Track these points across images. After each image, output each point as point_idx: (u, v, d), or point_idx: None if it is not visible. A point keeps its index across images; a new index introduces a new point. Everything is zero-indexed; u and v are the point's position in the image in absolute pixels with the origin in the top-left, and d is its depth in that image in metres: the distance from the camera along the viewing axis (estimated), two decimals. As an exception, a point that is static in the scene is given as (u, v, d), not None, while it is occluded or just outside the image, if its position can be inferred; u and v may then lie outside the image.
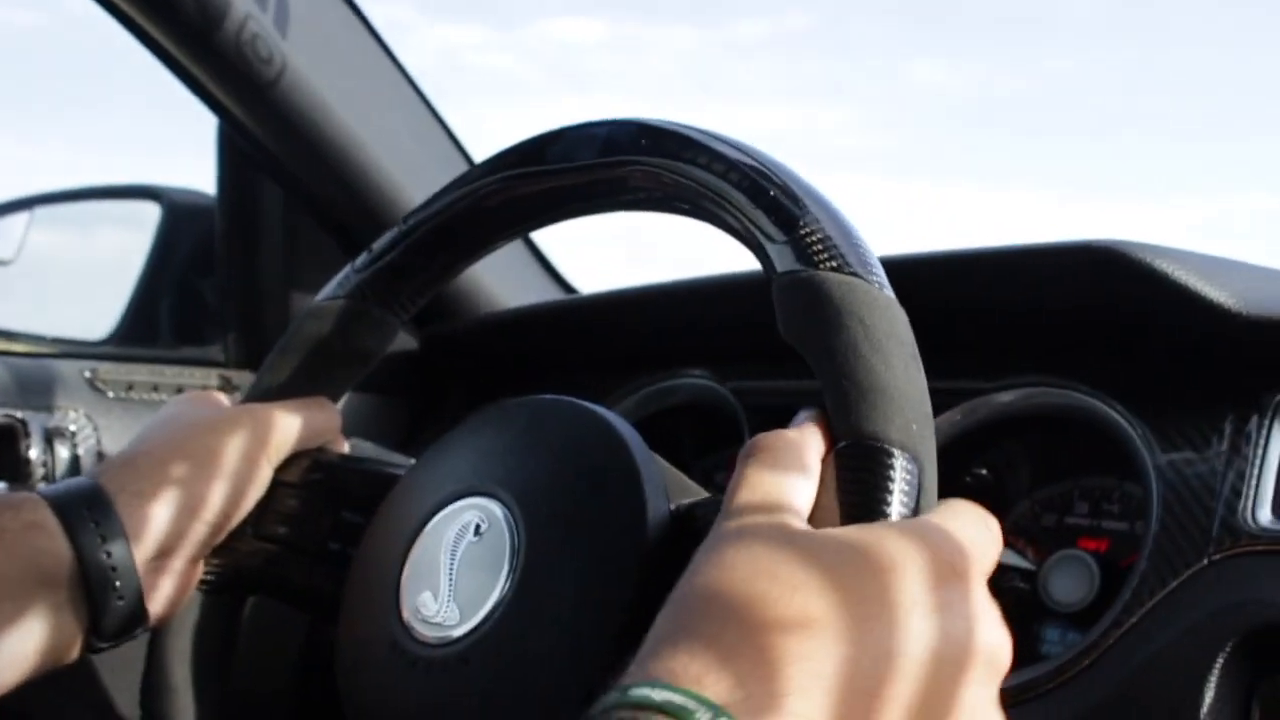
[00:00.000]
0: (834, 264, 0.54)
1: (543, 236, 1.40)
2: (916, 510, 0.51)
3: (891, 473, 0.51)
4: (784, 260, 0.55)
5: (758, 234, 0.57)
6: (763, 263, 0.57)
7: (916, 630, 0.45)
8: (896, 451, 0.51)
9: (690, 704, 0.41)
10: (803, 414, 0.55)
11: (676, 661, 0.43)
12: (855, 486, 0.51)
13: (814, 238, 0.55)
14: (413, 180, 1.21)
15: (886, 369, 0.52)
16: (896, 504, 0.50)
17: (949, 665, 0.45)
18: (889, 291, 0.54)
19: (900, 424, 0.52)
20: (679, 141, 0.60)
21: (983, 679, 0.47)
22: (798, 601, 0.44)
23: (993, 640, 0.47)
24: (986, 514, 0.52)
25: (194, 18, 1.05)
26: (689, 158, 0.59)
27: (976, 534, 0.50)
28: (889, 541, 0.47)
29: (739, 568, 0.46)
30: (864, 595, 0.45)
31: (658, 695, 0.41)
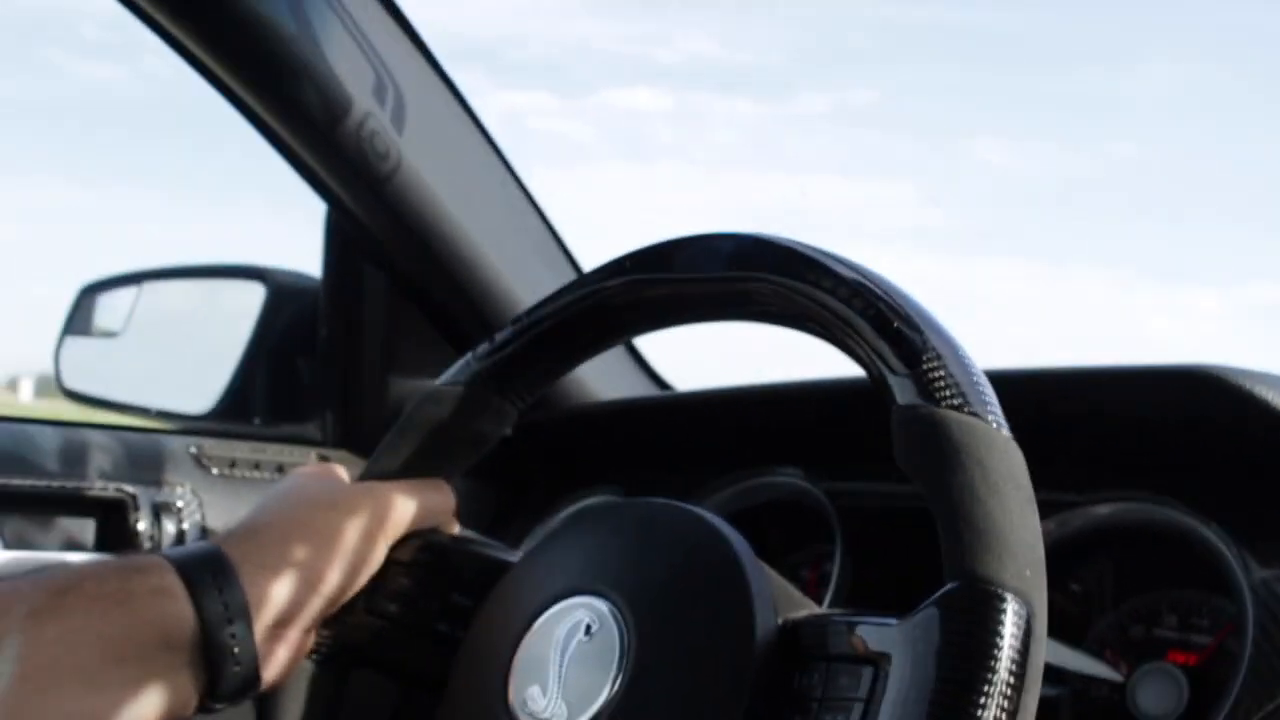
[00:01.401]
0: (955, 403, 0.55)
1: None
2: (1025, 656, 0.51)
3: (1004, 617, 0.51)
4: (905, 393, 0.56)
5: (880, 364, 0.58)
6: (882, 391, 0.58)
7: None
8: (1009, 596, 0.52)
9: None
10: None
11: None
12: (967, 629, 0.52)
13: (937, 374, 0.56)
14: (517, 276, 1.24)
15: (1003, 512, 0.53)
16: (1007, 648, 0.51)
17: None
18: (1007, 432, 0.56)
19: (1014, 570, 0.53)
20: (803, 263, 0.61)
21: None
22: None
23: None
24: None
25: (318, 114, 1.09)
26: (813, 279, 0.61)
27: None
28: None
29: None
30: None
31: None
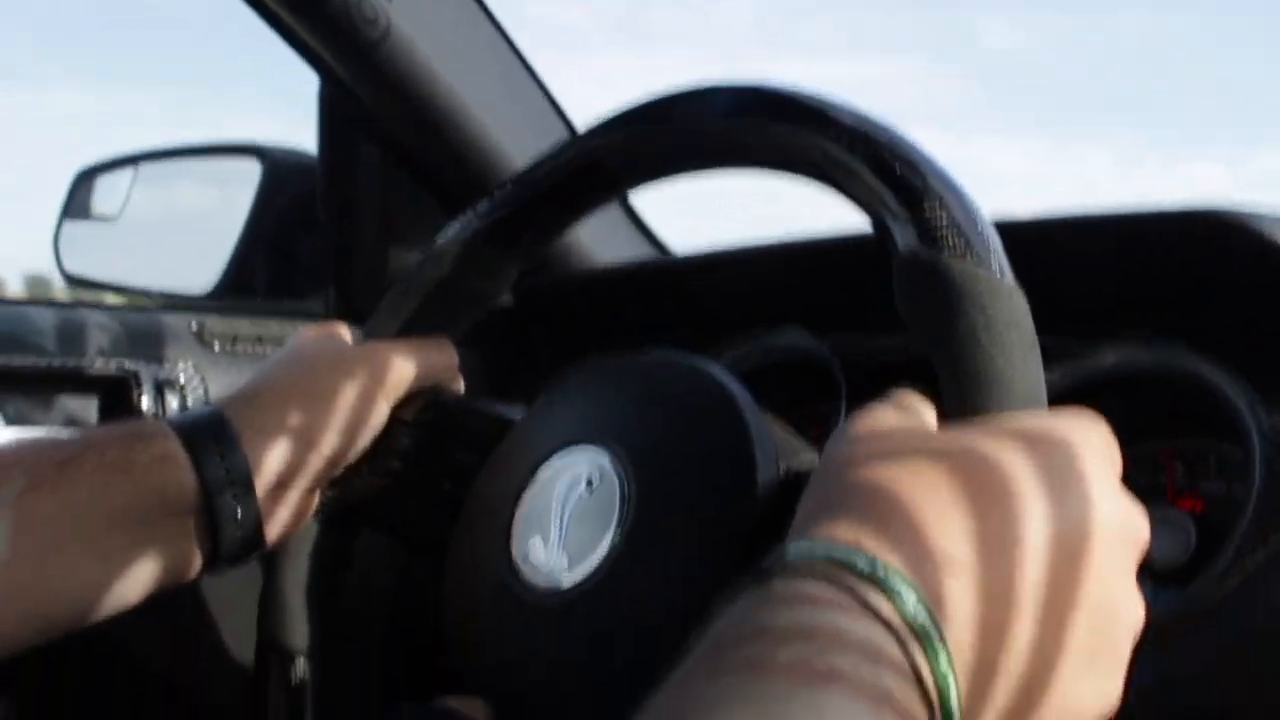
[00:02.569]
0: (958, 248, 0.54)
1: (637, 198, 1.40)
2: None
3: None
4: (906, 238, 0.55)
5: (881, 209, 0.57)
6: (883, 237, 0.57)
7: (1041, 507, 0.47)
8: None
9: (852, 555, 0.43)
10: (910, 390, 0.56)
11: (830, 530, 0.45)
12: None
13: (939, 218, 0.55)
14: (512, 140, 1.22)
15: (1005, 360, 0.53)
16: None
17: (1076, 536, 0.47)
18: (1011, 279, 0.54)
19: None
20: (803, 110, 0.60)
21: (1113, 548, 0.48)
22: (934, 482, 0.47)
23: (1117, 512, 0.49)
24: (1094, 415, 0.53)
25: (302, -22, 1.06)
26: (814, 126, 0.59)
27: (1088, 425, 0.52)
28: (1011, 436, 0.49)
29: (877, 458, 0.49)
30: (994, 481, 0.47)
31: (820, 549, 0.44)
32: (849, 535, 0.45)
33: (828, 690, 0.38)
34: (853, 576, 0.43)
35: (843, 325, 1.06)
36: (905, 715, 0.40)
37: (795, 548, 0.45)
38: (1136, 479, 0.92)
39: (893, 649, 0.41)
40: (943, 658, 0.42)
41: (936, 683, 0.42)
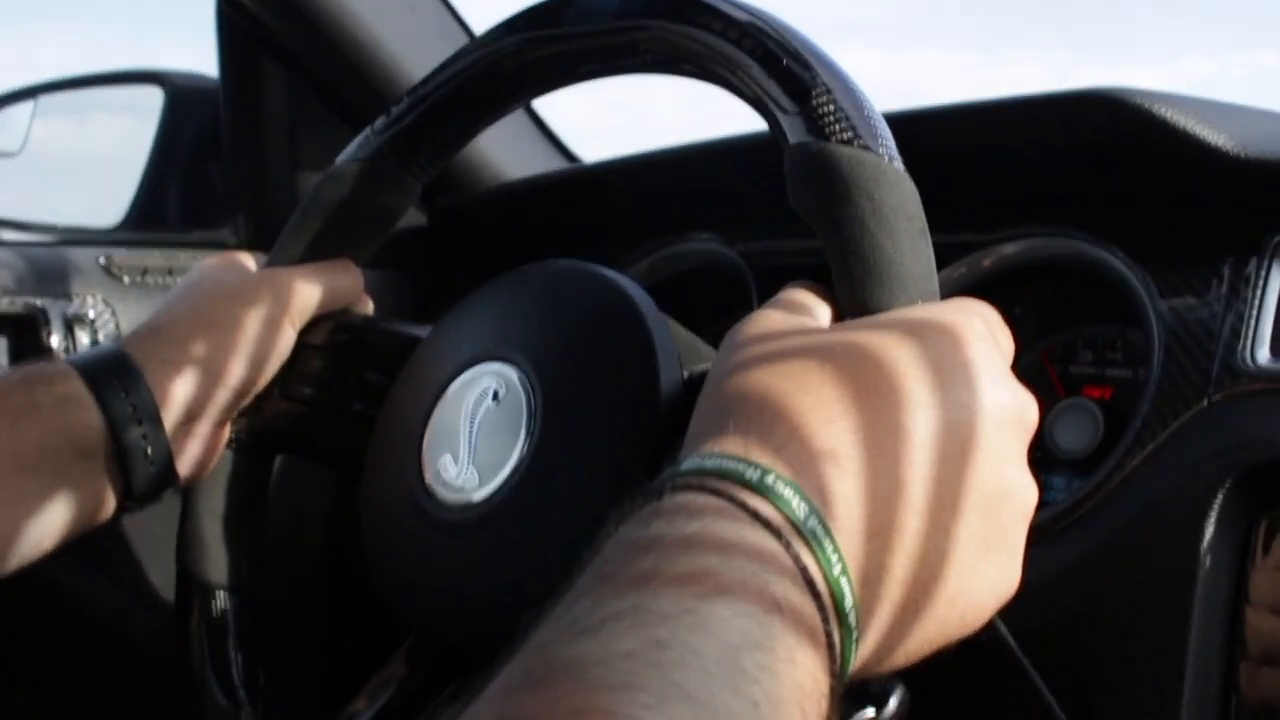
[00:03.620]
0: (845, 136, 0.54)
1: (546, 109, 1.40)
2: None
3: None
4: (795, 131, 0.55)
5: (770, 103, 0.57)
6: (775, 132, 0.57)
7: (927, 396, 0.47)
8: None
9: (740, 466, 0.44)
10: (801, 284, 0.56)
11: (719, 443, 0.46)
12: None
13: (826, 109, 0.54)
14: (414, 53, 1.21)
15: (893, 245, 0.53)
16: None
17: (963, 424, 0.47)
18: (899, 165, 0.54)
19: (905, 300, 0.52)
20: (691, 6, 0.60)
21: (1002, 433, 0.49)
22: (819, 382, 0.47)
23: (1004, 398, 0.49)
24: (982, 303, 0.53)
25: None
26: (702, 22, 0.59)
27: (974, 313, 0.52)
28: (895, 328, 0.49)
29: (763, 362, 0.49)
30: (878, 375, 0.47)
31: (710, 463, 0.44)
32: (737, 446, 0.45)
33: (714, 601, 0.39)
34: (741, 487, 0.43)
35: (753, 230, 1.06)
36: (797, 619, 0.41)
37: (685, 463, 0.45)
38: (1046, 370, 0.94)
39: (782, 555, 0.42)
40: (834, 559, 0.43)
41: (829, 584, 0.43)
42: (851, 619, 0.43)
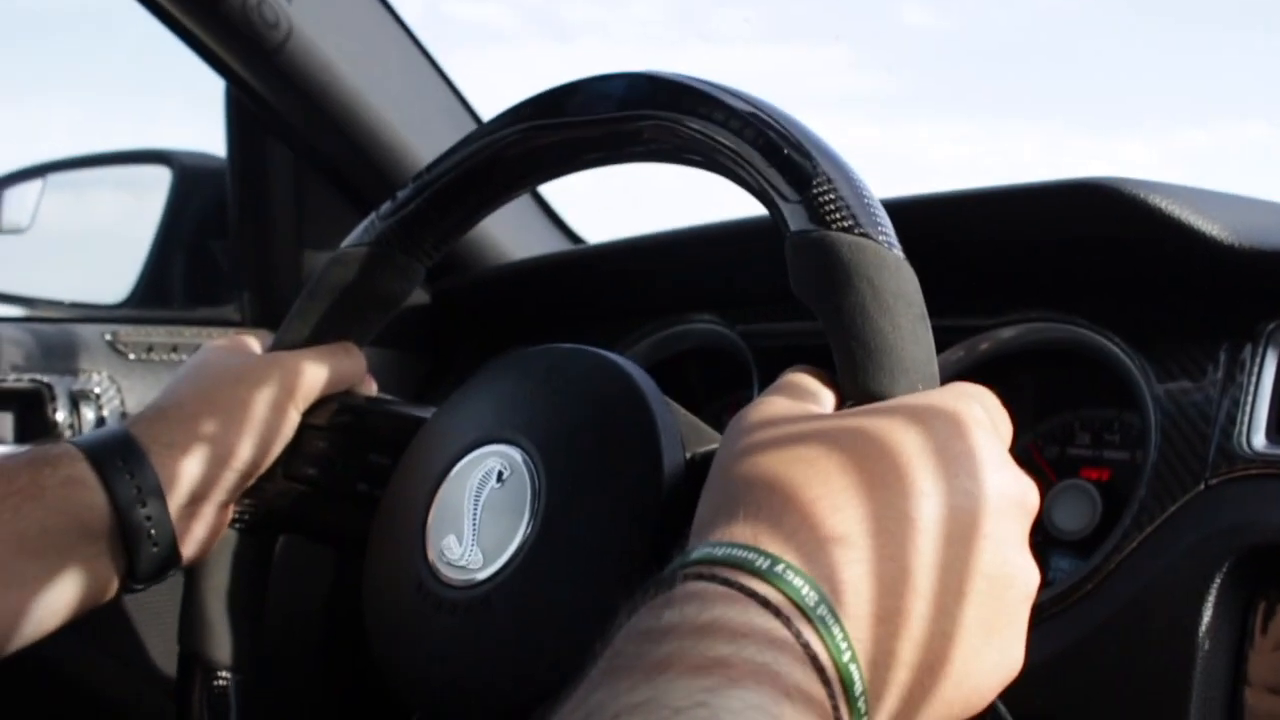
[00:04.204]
0: (845, 224, 0.55)
1: (550, 190, 1.41)
2: None
3: None
4: (797, 219, 0.56)
5: (771, 192, 0.57)
6: (776, 219, 0.58)
7: (931, 484, 0.48)
8: None
9: (750, 555, 0.44)
10: (803, 369, 0.57)
11: (729, 531, 0.46)
12: None
13: (826, 198, 0.55)
14: (420, 137, 1.23)
15: (894, 330, 0.53)
16: None
17: (967, 510, 0.48)
18: (898, 251, 0.55)
19: (906, 384, 0.53)
20: (694, 97, 0.61)
21: (1004, 518, 0.49)
22: (826, 470, 0.48)
23: (1005, 483, 0.50)
24: (983, 388, 0.54)
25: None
26: (704, 113, 0.60)
27: (974, 399, 0.52)
28: (898, 415, 0.50)
29: (770, 449, 0.49)
30: (884, 463, 0.48)
31: (720, 552, 0.45)
32: (746, 534, 0.46)
33: (726, 693, 0.39)
34: (752, 576, 0.44)
35: (754, 311, 1.07)
36: (808, 706, 0.41)
37: (696, 552, 0.46)
38: (1045, 452, 0.95)
39: (793, 643, 0.42)
40: (843, 645, 0.43)
41: (839, 670, 0.43)
42: (861, 704, 0.44)
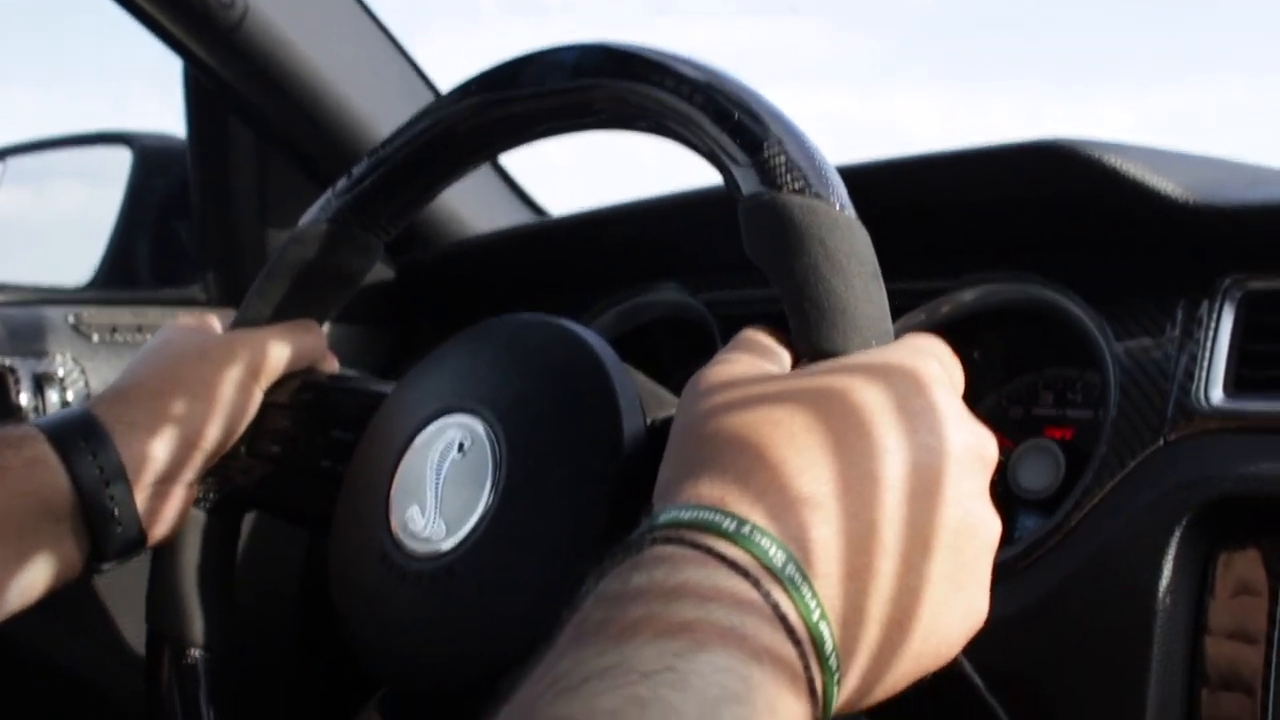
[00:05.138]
0: (797, 186, 0.55)
1: (511, 162, 1.41)
2: None
3: None
4: (749, 183, 0.57)
5: (723, 156, 0.58)
6: (729, 184, 0.58)
7: (895, 441, 0.48)
8: None
9: (717, 516, 0.44)
10: (758, 328, 0.57)
11: (696, 492, 0.47)
12: None
13: (777, 160, 0.56)
14: (379, 111, 1.22)
15: (847, 289, 0.54)
16: None
17: (929, 466, 0.49)
18: (850, 212, 0.56)
19: (860, 343, 0.54)
20: (645, 64, 0.61)
21: (965, 471, 0.50)
22: (790, 431, 0.48)
23: (965, 436, 0.50)
24: (937, 339, 0.55)
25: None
26: (655, 80, 0.60)
27: (929, 354, 0.53)
28: (858, 373, 0.50)
29: (733, 409, 0.50)
30: (847, 422, 0.48)
31: (687, 515, 0.45)
32: (713, 496, 0.46)
33: (694, 656, 0.39)
34: (719, 538, 0.44)
35: (717, 279, 1.07)
36: (778, 668, 0.41)
37: (663, 515, 0.46)
38: (1009, 412, 0.96)
39: (762, 604, 0.43)
40: (813, 605, 0.44)
41: (809, 630, 0.43)
42: (832, 662, 0.44)
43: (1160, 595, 0.72)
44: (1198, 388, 0.77)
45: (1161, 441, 0.77)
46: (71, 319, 1.18)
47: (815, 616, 0.44)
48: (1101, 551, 0.75)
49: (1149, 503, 0.75)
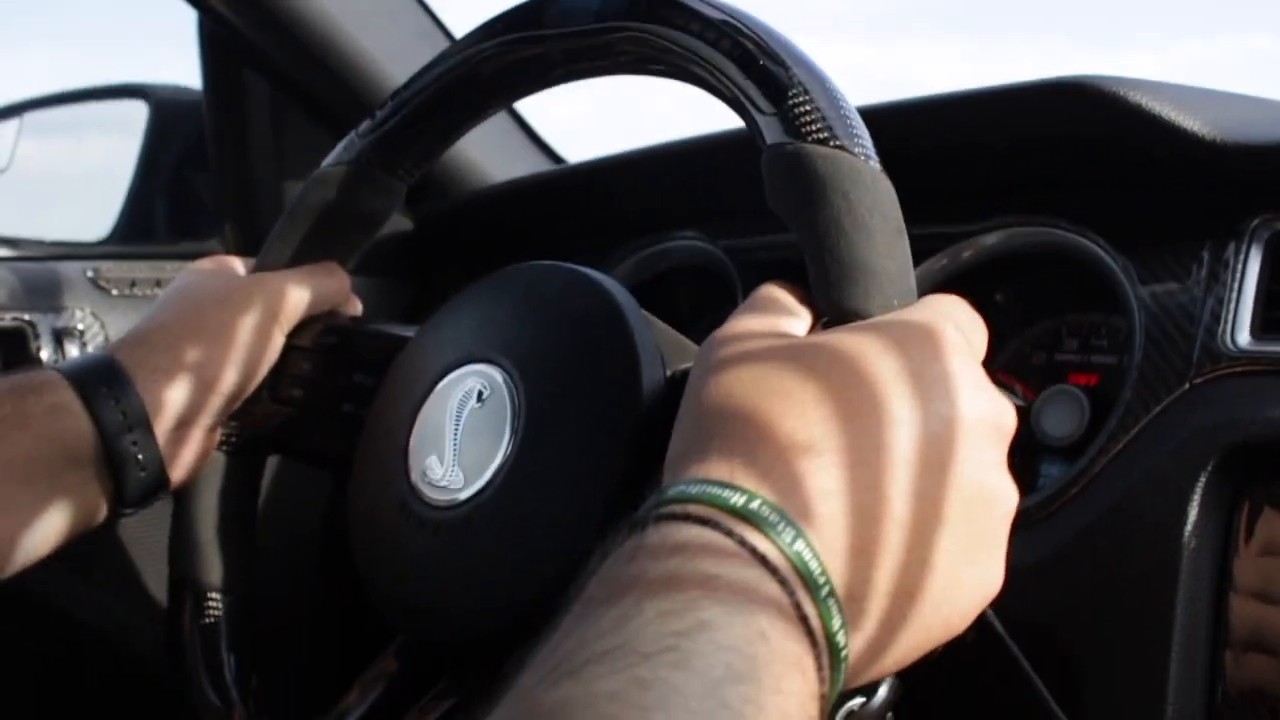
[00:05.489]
0: (821, 136, 0.54)
1: (529, 111, 1.40)
2: None
3: None
4: (773, 132, 0.55)
5: (747, 104, 0.57)
6: (752, 131, 0.57)
7: (908, 411, 0.47)
8: None
9: (726, 492, 0.44)
10: (777, 284, 0.56)
11: (704, 467, 0.46)
12: None
13: (802, 109, 0.54)
14: (394, 58, 1.22)
15: (869, 244, 0.53)
16: None
17: (942, 436, 0.48)
18: (875, 164, 0.54)
19: (881, 300, 0.52)
20: (670, 7, 0.60)
21: (980, 441, 0.49)
22: (800, 401, 0.47)
23: (981, 406, 0.49)
24: (959, 300, 0.54)
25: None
26: (681, 24, 0.59)
27: (949, 317, 0.52)
28: (874, 338, 0.49)
29: (745, 377, 0.49)
30: (860, 393, 0.47)
31: (694, 489, 0.44)
32: (721, 470, 0.45)
33: (697, 636, 0.39)
34: (727, 514, 0.43)
35: (737, 226, 1.07)
36: (784, 645, 0.41)
37: (670, 490, 0.45)
38: (1033, 359, 0.95)
39: (768, 581, 0.42)
40: (821, 581, 0.43)
41: (816, 606, 0.43)
42: (840, 638, 0.43)
43: (1185, 540, 0.71)
44: (1224, 331, 0.76)
45: (1187, 385, 0.76)
46: (90, 273, 1.18)
47: (824, 593, 0.43)
48: (1126, 498, 0.74)
49: (1174, 448, 0.74)
